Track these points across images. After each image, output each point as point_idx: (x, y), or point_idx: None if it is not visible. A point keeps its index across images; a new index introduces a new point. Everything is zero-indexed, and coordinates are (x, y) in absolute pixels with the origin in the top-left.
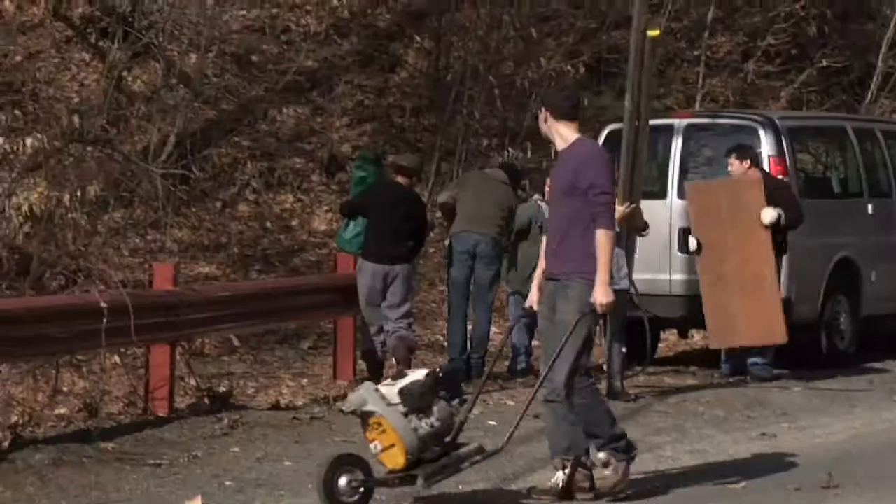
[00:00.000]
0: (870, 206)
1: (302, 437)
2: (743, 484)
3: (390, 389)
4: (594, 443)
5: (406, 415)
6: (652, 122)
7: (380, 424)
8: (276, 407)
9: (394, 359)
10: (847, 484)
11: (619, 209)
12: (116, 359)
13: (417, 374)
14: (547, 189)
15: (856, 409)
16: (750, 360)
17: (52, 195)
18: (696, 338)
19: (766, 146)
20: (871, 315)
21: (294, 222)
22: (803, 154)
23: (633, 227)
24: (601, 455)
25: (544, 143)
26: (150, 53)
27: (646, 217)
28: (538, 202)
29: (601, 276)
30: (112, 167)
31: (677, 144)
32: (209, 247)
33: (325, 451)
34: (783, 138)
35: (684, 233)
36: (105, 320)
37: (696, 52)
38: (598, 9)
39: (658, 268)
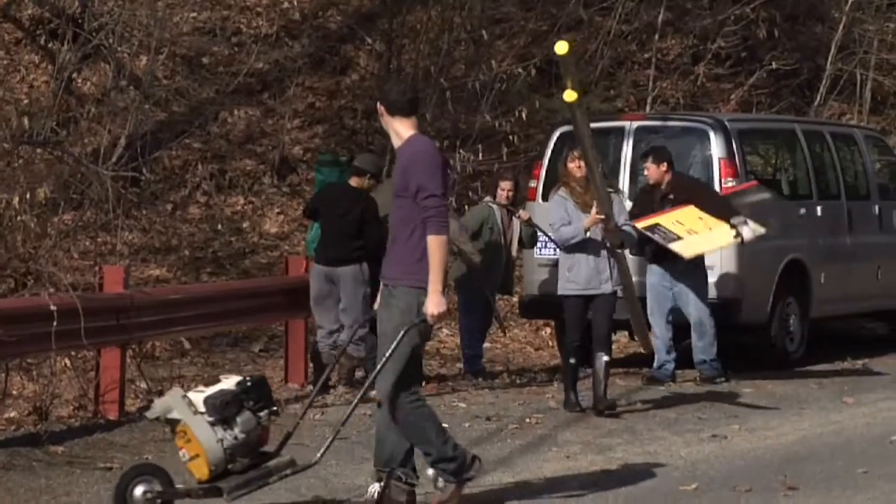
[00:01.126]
0: (819, 209)
1: None
2: (694, 485)
3: (198, 397)
4: (425, 458)
5: (212, 425)
6: (602, 124)
7: (185, 433)
8: None
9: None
10: (798, 485)
11: (593, 216)
12: (66, 362)
13: (229, 382)
14: (499, 192)
15: (805, 411)
16: (697, 359)
17: (0, 198)
18: None
19: (716, 148)
20: (820, 317)
21: (245, 224)
22: (753, 156)
23: (612, 243)
24: (430, 472)
25: (496, 146)
26: (100, 55)
27: None
28: (490, 205)
29: (433, 286)
30: (62, 169)
31: (628, 147)
32: (160, 249)
33: None
34: (733, 141)
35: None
36: (55, 323)
37: (646, 55)
38: (549, 11)
39: None
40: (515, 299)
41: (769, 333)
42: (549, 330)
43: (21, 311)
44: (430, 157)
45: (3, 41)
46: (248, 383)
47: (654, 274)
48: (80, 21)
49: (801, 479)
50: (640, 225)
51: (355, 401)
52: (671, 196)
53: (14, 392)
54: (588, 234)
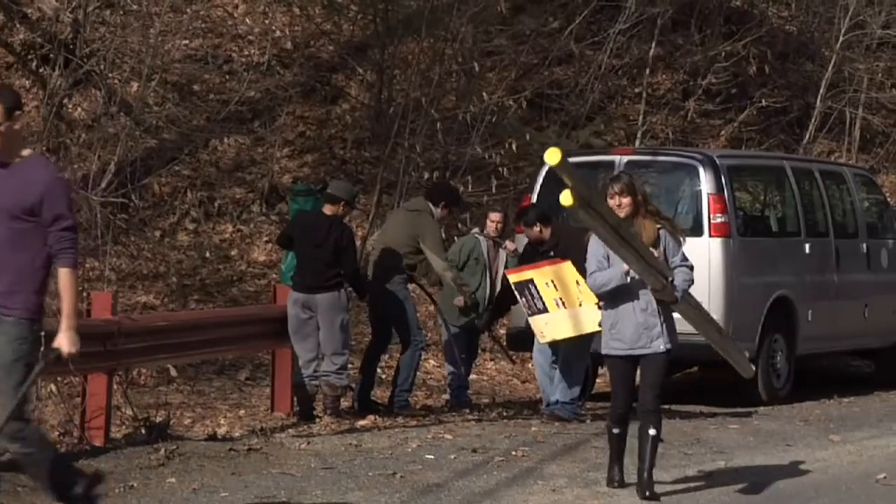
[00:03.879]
0: (807, 246)
1: (239, 468)
2: None
3: None
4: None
5: None
6: (592, 158)
7: None
8: (212, 438)
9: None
10: None
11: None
12: (52, 387)
13: None
14: (488, 223)
15: (791, 448)
16: (552, 399)
17: None
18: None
19: (705, 184)
20: (806, 354)
21: (233, 252)
22: (742, 192)
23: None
24: None
25: (486, 178)
26: (91, 81)
27: None
28: (476, 236)
29: (68, 321)
30: None
31: None
32: (148, 276)
33: (262, 482)
34: (722, 176)
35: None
36: (42, 348)
37: (637, 90)
38: (540, 45)
39: None
40: (503, 331)
41: (757, 370)
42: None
43: None
44: (65, 185)
45: None
46: None
47: None
48: (71, 47)
49: None
50: (512, 278)
51: None
52: (552, 253)
53: None
54: (630, 279)
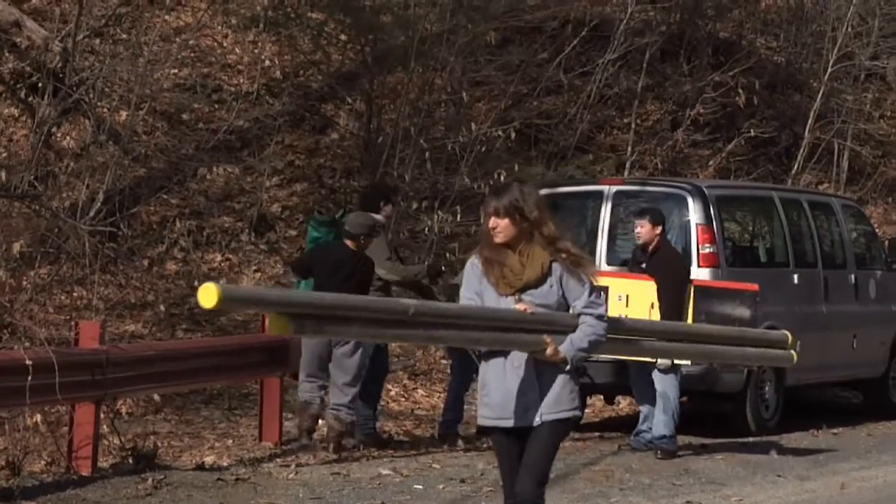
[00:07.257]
0: (795, 276)
1: (227, 498)
2: None
3: None
4: None
5: None
6: (581, 188)
7: None
8: (200, 468)
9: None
10: None
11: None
12: (39, 417)
13: None
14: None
15: (780, 479)
16: (657, 433)
17: None
18: (623, 404)
19: (694, 214)
20: (795, 385)
21: (222, 281)
22: (730, 223)
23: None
24: None
25: (474, 208)
26: (80, 110)
27: None
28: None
29: None
30: (39, 223)
31: (606, 211)
32: (136, 305)
33: None
34: (711, 207)
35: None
36: (30, 378)
37: (626, 120)
38: (529, 75)
39: None
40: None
41: (745, 400)
42: None
43: None
44: None
45: None
46: None
47: None
48: (60, 75)
49: None
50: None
51: None
52: (643, 265)
53: None
54: None
